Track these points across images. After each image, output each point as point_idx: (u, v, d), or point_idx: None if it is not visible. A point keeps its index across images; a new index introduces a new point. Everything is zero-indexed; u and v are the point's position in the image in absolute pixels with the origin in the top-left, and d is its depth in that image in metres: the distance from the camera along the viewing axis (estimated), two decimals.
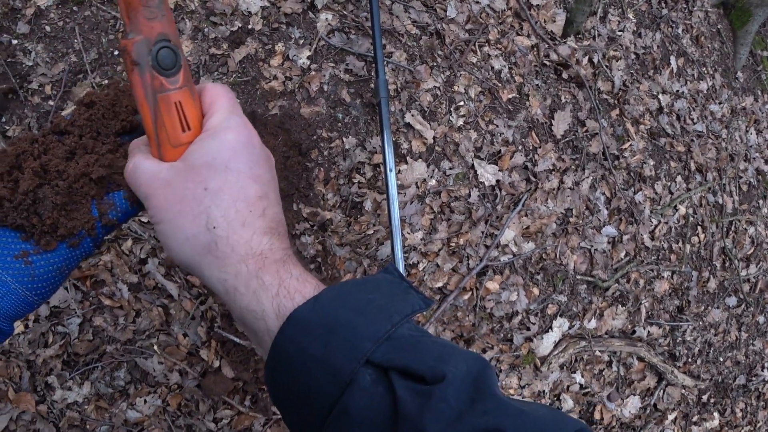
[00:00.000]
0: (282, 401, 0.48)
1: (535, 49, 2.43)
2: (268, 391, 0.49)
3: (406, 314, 0.47)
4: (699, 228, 2.76)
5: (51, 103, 1.84)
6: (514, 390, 2.14)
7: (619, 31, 2.72)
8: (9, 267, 0.49)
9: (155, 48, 0.49)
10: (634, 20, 2.81)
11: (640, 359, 2.48)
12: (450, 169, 2.09)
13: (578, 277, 2.30)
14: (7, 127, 1.80)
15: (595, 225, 2.35)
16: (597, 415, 2.36)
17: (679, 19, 3.02)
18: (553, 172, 2.28)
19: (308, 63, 2.03)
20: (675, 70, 2.92)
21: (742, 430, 2.91)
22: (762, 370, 2.96)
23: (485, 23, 2.32)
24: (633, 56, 2.78)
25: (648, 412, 2.54)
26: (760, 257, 3.02)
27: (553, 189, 2.27)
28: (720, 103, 3.10)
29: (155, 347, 1.89)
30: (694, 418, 2.72)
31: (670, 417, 2.60)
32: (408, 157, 2.05)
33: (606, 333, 2.37)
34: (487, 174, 2.13)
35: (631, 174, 2.54)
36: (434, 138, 2.10)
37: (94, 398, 1.84)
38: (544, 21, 2.48)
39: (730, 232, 2.92)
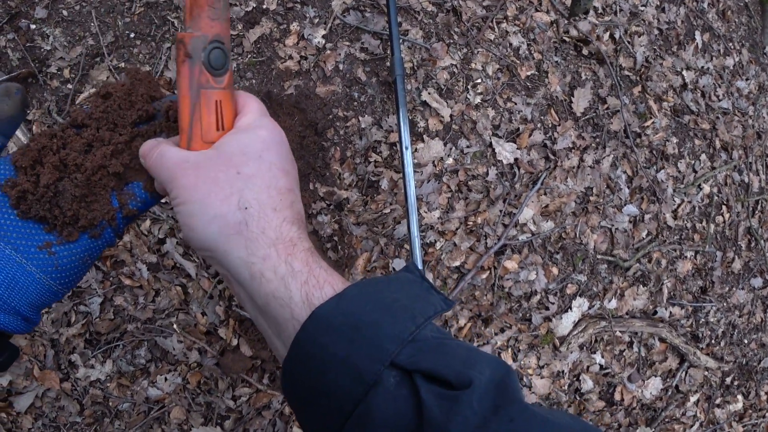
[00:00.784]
0: (299, 399, 0.47)
1: (555, 25, 2.37)
2: (283, 388, 0.48)
3: (429, 315, 0.46)
4: (724, 207, 2.69)
5: (69, 86, 1.85)
6: (533, 370, 2.13)
7: (642, 5, 2.65)
8: (33, 258, 0.51)
9: (210, 46, 0.52)
10: None
11: (662, 340, 2.44)
12: (467, 147, 2.07)
13: (598, 256, 2.27)
14: (27, 111, 1.82)
15: (616, 204, 2.31)
16: (617, 396, 2.34)
17: None
18: (573, 150, 2.24)
19: (323, 42, 2.02)
20: (700, 46, 2.83)
21: (767, 414, 2.85)
22: None
23: None
24: (656, 32, 2.71)
25: (669, 393, 2.51)
26: None
27: (573, 167, 2.23)
28: (747, 80, 3.01)
29: (174, 326, 1.91)
30: (717, 401, 2.68)
31: (692, 399, 2.56)
32: (425, 136, 2.02)
33: (627, 313, 2.33)
34: (505, 152, 2.10)
35: (654, 152, 2.48)
36: (451, 116, 2.07)
37: (116, 376, 1.87)
38: None
39: (756, 212, 2.84)
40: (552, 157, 2.20)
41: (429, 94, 2.04)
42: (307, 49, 2.00)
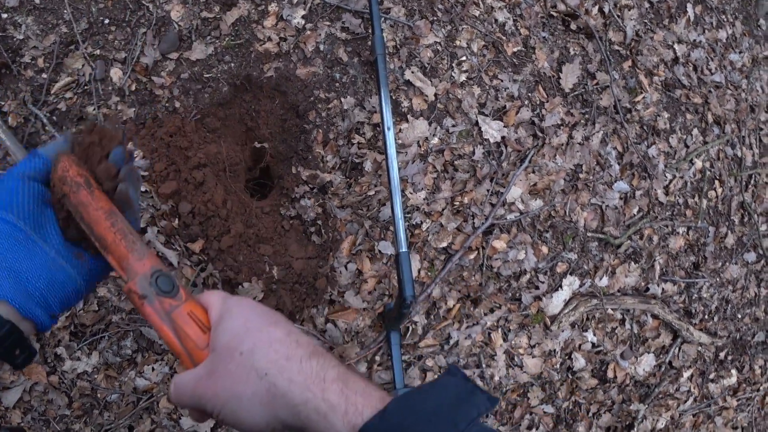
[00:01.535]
0: None
1: None
2: None
3: (472, 418, 0.49)
4: (716, 182, 2.67)
5: (44, 76, 1.82)
6: (524, 350, 2.12)
7: None
8: (71, 261, 0.60)
9: (152, 278, 0.58)
10: None
11: (655, 317, 2.43)
12: (453, 126, 2.03)
13: (589, 234, 2.24)
14: (2, 103, 1.79)
15: (606, 180, 2.28)
16: (610, 374, 2.33)
17: None
18: (562, 127, 2.21)
19: (303, 22, 1.97)
20: (692, 18, 2.78)
21: (761, 387, 2.85)
22: None
23: None
24: (647, 5, 2.65)
25: (663, 369, 2.50)
26: None
27: (562, 144, 2.19)
28: (740, 52, 2.96)
29: None
30: (711, 376, 2.67)
31: (686, 374, 2.56)
32: (409, 116, 1.99)
33: (618, 291, 2.31)
34: (492, 130, 2.06)
35: (644, 127, 2.44)
36: (436, 95, 2.03)
37: (103, 367, 1.86)
38: None
39: (749, 186, 2.82)
40: (540, 134, 2.16)
41: (412, 73, 2.00)
42: (287, 30, 1.96)
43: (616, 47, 2.49)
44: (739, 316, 2.75)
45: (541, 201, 2.12)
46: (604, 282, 2.27)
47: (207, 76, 1.93)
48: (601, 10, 2.48)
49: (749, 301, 2.78)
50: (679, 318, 2.49)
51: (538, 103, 2.19)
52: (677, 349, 2.53)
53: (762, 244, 2.80)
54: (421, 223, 1.96)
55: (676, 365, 2.53)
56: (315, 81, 1.98)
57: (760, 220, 2.82)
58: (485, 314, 2.04)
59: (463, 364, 2.03)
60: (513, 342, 2.10)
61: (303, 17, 1.97)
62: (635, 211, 2.36)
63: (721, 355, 2.70)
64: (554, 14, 2.36)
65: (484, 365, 2.05)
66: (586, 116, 2.28)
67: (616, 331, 2.34)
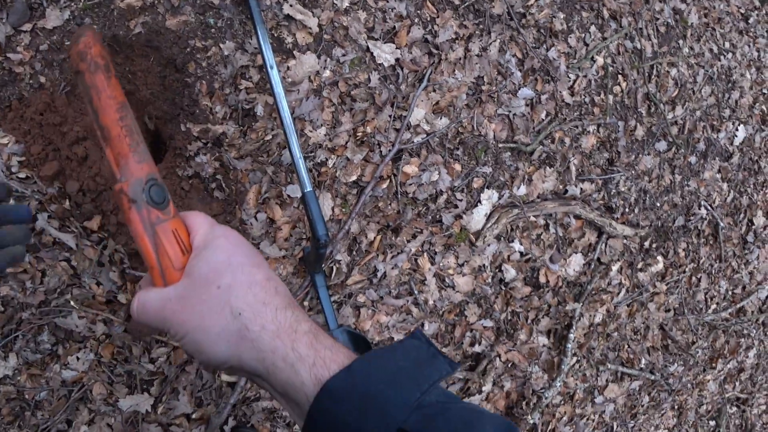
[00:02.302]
0: None
1: None
2: None
3: (433, 380, 0.50)
4: (620, 77, 2.70)
5: None
6: (453, 270, 2.13)
7: None
8: None
9: (147, 186, 0.56)
10: None
11: (577, 217, 2.48)
12: (343, 56, 1.95)
13: (500, 145, 2.24)
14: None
15: (509, 89, 2.27)
16: (542, 279, 2.39)
17: None
18: (457, 41, 2.16)
19: None
20: None
21: (687, 268, 3.00)
22: (699, 209, 3.02)
23: None
24: None
25: (592, 267, 2.58)
26: (685, 98, 3.01)
27: (459, 59, 2.15)
28: None
29: (71, 303, 1.80)
30: (639, 265, 2.79)
31: (615, 268, 2.65)
32: (295, 51, 1.89)
33: (538, 197, 2.34)
34: (385, 54, 2.00)
35: (541, 31, 2.43)
36: (320, 26, 1.94)
37: (24, 367, 1.76)
38: None
39: (653, 77, 2.87)
40: (435, 51, 2.11)
41: (291, 6, 1.89)
42: None
43: None
44: (658, 205, 2.85)
45: (446, 119, 2.09)
46: (522, 191, 2.29)
47: (69, 43, 1.76)
48: None
49: (666, 189, 2.89)
50: (601, 215, 2.55)
51: (428, 19, 2.13)
52: (603, 245, 2.61)
53: (671, 132, 2.89)
54: (327, 160, 1.90)
55: (605, 261, 2.62)
56: (188, 30, 1.84)
57: (667, 109, 2.90)
58: (408, 241, 2.02)
59: (395, 294, 2.02)
60: (441, 264, 2.10)
61: None
62: (543, 115, 2.36)
63: (646, 244, 2.81)
64: None
65: (416, 291, 2.05)
66: (481, 27, 2.24)
67: (542, 236, 2.39)
